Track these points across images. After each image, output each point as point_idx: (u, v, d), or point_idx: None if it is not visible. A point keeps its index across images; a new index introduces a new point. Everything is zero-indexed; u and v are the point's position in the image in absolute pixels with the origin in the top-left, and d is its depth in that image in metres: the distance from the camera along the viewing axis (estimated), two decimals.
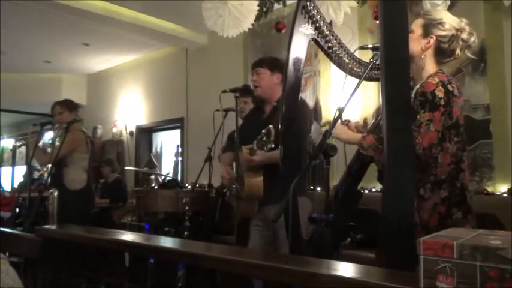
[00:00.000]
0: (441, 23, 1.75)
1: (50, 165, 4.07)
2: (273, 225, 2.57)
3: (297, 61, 1.90)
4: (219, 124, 3.32)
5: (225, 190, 4.38)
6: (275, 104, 2.73)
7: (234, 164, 2.82)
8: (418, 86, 1.73)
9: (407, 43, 1.60)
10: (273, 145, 2.23)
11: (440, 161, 1.67)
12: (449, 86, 1.67)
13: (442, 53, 1.78)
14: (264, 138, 2.30)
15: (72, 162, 3.77)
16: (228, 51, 5.68)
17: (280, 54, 4.92)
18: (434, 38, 1.76)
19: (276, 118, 2.65)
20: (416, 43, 1.77)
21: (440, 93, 1.64)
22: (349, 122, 2.05)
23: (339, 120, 1.80)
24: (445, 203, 1.66)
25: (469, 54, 1.81)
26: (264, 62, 2.78)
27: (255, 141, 2.46)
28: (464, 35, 1.76)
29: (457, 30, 1.75)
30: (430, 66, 1.78)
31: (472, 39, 1.78)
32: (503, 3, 3.44)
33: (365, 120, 2.52)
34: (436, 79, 1.68)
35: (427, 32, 1.76)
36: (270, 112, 2.77)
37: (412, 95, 1.73)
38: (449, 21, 1.76)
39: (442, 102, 1.63)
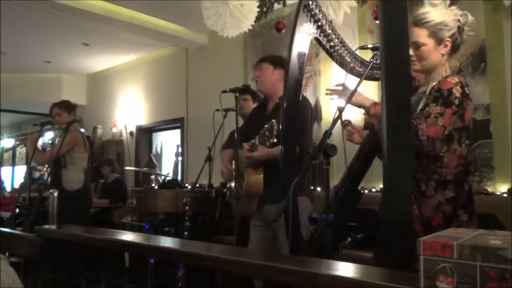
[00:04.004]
0: (446, 24, 1.73)
1: (47, 165, 4.07)
2: (272, 225, 2.57)
3: (299, 59, 1.90)
4: (219, 124, 3.32)
5: (225, 190, 4.39)
6: (277, 101, 2.72)
7: (233, 161, 2.81)
8: (434, 84, 1.73)
9: (407, 43, 1.60)
10: (275, 140, 2.20)
11: (446, 161, 1.67)
12: (466, 88, 1.67)
13: (456, 48, 1.79)
14: (267, 133, 2.28)
15: (70, 162, 3.78)
16: (228, 51, 5.68)
17: (280, 54, 4.94)
18: (450, 40, 1.75)
19: (279, 115, 2.65)
20: (435, 53, 1.75)
21: (457, 92, 1.64)
22: (350, 123, 2.05)
23: (339, 120, 1.79)
24: (450, 204, 1.66)
25: (469, 33, 1.79)
26: (267, 58, 2.82)
27: (257, 136, 2.45)
28: (463, 20, 1.76)
29: (458, 20, 1.75)
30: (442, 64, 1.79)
31: (469, 18, 1.77)
32: (503, 3, 3.44)
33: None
34: (456, 79, 1.69)
35: (439, 39, 1.74)
36: (272, 109, 2.76)
37: (427, 92, 1.73)
38: (449, 18, 1.75)
39: (457, 101, 1.63)
